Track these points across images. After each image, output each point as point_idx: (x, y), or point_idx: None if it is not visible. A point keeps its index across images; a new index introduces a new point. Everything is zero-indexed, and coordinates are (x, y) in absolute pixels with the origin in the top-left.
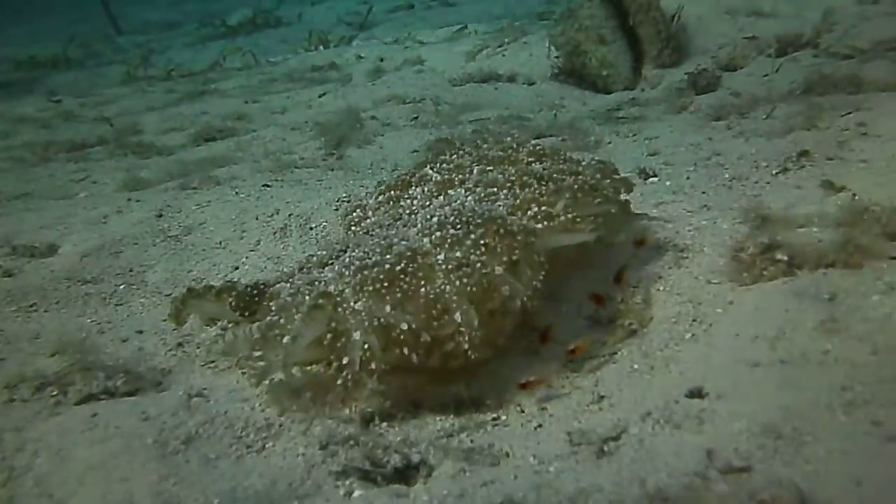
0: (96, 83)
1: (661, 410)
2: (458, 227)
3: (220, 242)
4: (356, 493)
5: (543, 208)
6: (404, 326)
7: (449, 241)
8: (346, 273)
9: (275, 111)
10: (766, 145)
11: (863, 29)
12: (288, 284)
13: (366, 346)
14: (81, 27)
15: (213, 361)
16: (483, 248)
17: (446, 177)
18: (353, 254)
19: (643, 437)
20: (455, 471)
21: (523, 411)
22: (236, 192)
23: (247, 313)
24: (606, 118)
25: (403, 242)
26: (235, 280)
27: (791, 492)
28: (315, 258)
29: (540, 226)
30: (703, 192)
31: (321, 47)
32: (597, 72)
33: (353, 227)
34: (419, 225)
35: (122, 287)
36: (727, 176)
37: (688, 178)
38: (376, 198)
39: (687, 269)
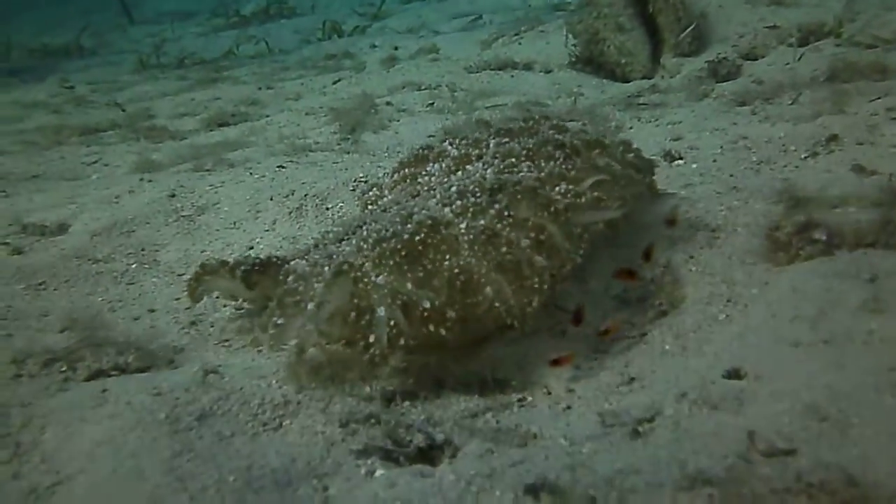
0: (109, 71)
1: (698, 391)
2: (479, 195)
3: (234, 222)
4: (378, 473)
5: (571, 186)
6: (427, 304)
7: (471, 209)
8: (365, 246)
9: (288, 97)
10: (794, 130)
11: (886, 19)
12: (304, 260)
13: (392, 322)
14: (95, 17)
15: (227, 340)
16: (509, 220)
17: (464, 151)
18: (371, 227)
19: (679, 418)
20: (482, 451)
21: (550, 393)
22: (250, 174)
23: (259, 287)
24: (627, 104)
25: (423, 212)
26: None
27: (840, 475)
28: (331, 234)
29: (568, 201)
30: (731, 175)
31: (335, 37)
32: (615, 60)
33: (369, 206)
34: (438, 196)
35: (133, 266)
36: (755, 159)
37: (714, 161)
38: (392, 176)
39: (720, 248)
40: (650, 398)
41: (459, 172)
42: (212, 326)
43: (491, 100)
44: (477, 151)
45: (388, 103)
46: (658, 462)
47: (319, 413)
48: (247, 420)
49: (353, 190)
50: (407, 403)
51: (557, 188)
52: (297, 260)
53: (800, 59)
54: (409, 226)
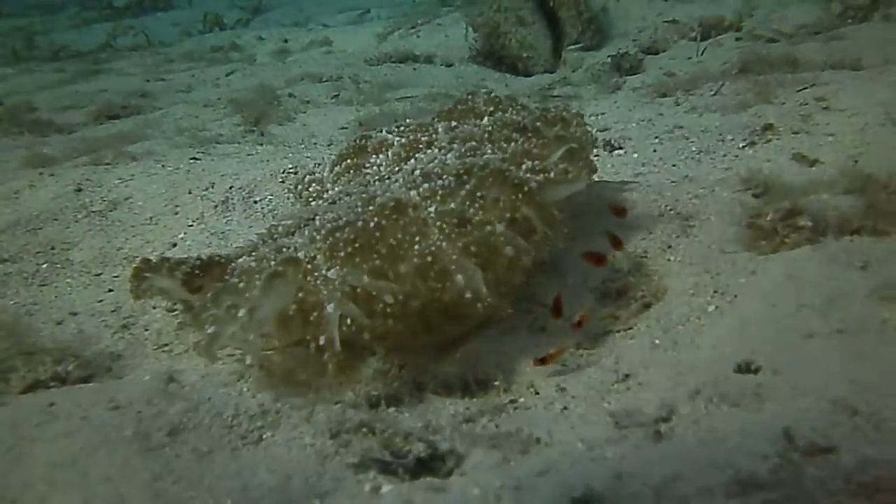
0: None
1: (711, 387)
2: (446, 178)
3: (151, 218)
4: (385, 488)
5: (536, 162)
6: (389, 299)
7: (440, 193)
8: (318, 237)
9: (180, 89)
10: (725, 119)
11: (783, 13)
12: (252, 256)
13: (348, 318)
14: None
15: (166, 344)
16: (480, 202)
17: (410, 138)
18: (326, 216)
19: (697, 416)
20: (495, 459)
21: (538, 392)
22: (162, 166)
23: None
24: (541, 96)
25: (387, 193)
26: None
27: (892, 474)
28: (281, 227)
29: (540, 178)
30: (674, 165)
31: (217, 29)
32: (517, 53)
33: (312, 201)
34: (401, 180)
35: (44, 266)
36: (694, 149)
37: (654, 150)
38: (332, 169)
39: (696, 237)
40: (657, 396)
41: (411, 161)
42: (146, 330)
43: (399, 91)
44: (425, 138)
45: (290, 95)
46: (696, 466)
47: (304, 423)
48: (222, 434)
49: (283, 182)
50: (392, 409)
51: (524, 166)
52: (245, 257)
53: (703, 53)
54: (369, 208)
